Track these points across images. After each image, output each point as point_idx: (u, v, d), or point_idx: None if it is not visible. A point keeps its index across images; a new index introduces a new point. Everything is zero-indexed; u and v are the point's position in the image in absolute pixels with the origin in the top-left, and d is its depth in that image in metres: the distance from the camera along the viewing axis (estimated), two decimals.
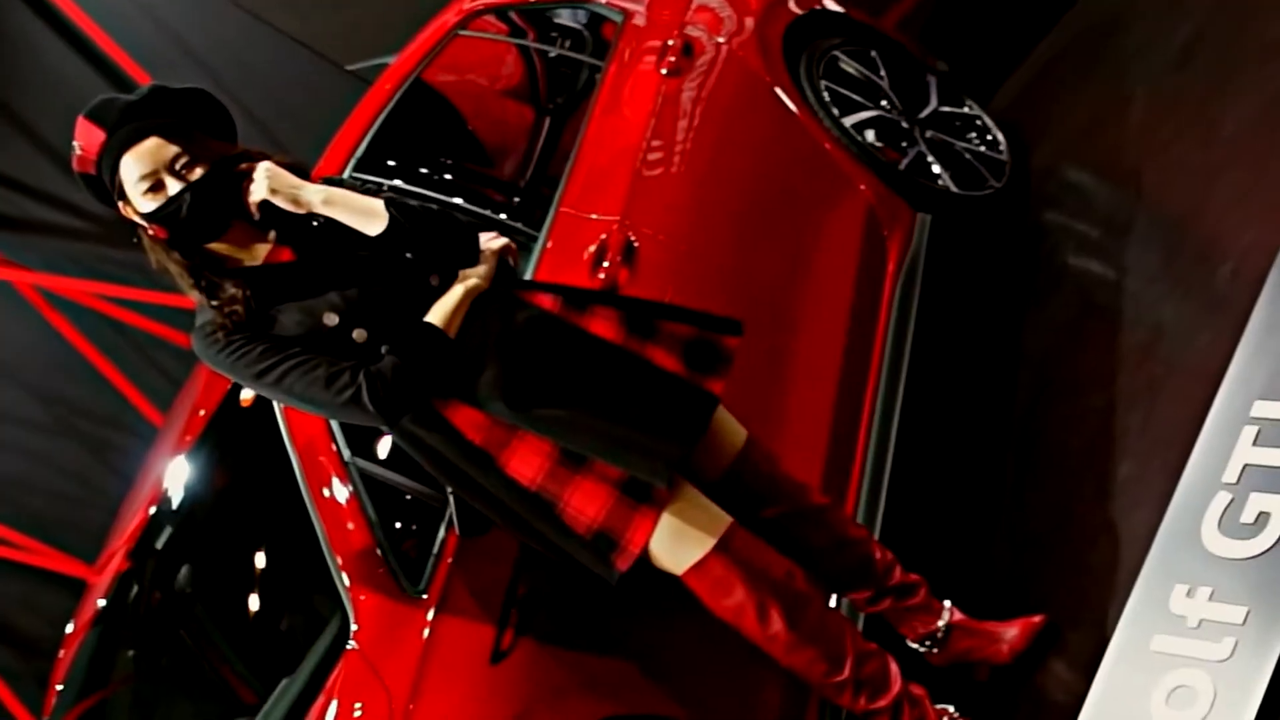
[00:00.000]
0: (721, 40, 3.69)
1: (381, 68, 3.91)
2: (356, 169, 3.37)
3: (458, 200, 3.28)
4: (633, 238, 3.07)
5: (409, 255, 2.44)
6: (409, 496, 2.72)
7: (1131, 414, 2.91)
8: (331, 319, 2.39)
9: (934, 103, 3.96)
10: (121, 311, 5.03)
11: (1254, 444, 2.45)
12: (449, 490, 2.54)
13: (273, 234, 2.46)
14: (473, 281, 2.46)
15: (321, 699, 2.56)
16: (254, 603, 3.05)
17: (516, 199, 3.60)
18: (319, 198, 2.38)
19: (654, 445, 2.38)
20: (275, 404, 2.79)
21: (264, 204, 2.39)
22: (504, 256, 2.55)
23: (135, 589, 3.37)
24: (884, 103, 3.84)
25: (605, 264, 2.99)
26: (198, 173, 2.36)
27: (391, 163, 3.41)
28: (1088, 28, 4.17)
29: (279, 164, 2.40)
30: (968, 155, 3.82)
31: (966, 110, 4.00)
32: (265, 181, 2.36)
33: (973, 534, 3.17)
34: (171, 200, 2.35)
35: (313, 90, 5.25)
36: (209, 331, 2.40)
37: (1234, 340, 2.62)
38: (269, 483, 2.85)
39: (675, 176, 3.34)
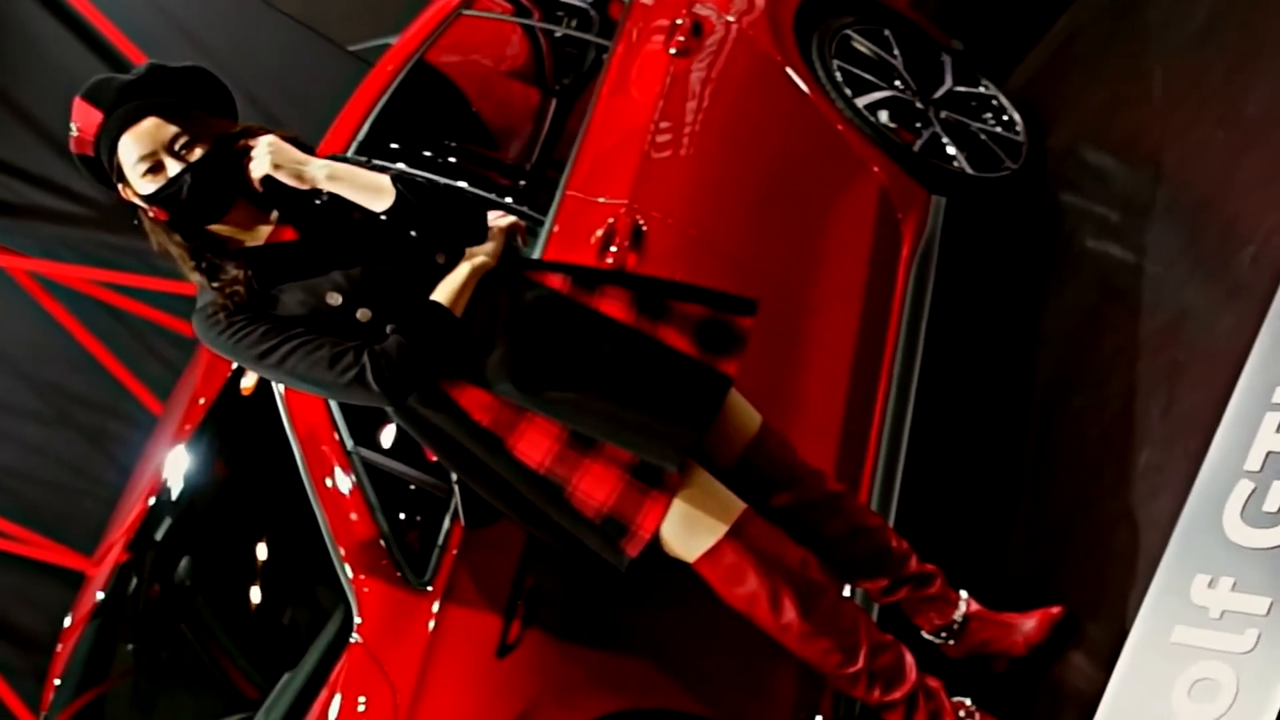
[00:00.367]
0: (731, 19, 3.68)
1: (384, 48, 3.88)
2: (358, 152, 3.34)
3: (462, 184, 3.25)
4: (641, 221, 3.03)
5: (414, 233, 2.40)
6: (413, 486, 2.70)
7: (1152, 400, 2.89)
8: (335, 298, 2.36)
9: (949, 82, 3.96)
10: (119, 298, 5.00)
11: (1277, 431, 2.42)
12: (454, 479, 2.53)
13: (275, 213, 2.43)
14: (480, 259, 2.43)
15: (325, 693, 2.54)
16: (255, 595, 3.04)
17: (522, 182, 3.58)
18: (323, 173, 2.34)
19: (665, 429, 2.35)
20: (276, 392, 2.77)
21: (267, 182, 2.35)
22: (512, 235, 2.52)
23: (134, 581, 3.36)
24: (898, 83, 3.86)
25: (613, 248, 2.96)
26: (198, 153, 2.32)
27: (394, 145, 3.38)
28: (1106, 4, 4.14)
29: (282, 139, 2.36)
30: (983, 136, 3.83)
31: (982, 90, 4.00)
32: (268, 156, 2.33)
33: (989, 523, 3.15)
34: (171, 181, 2.31)
35: (314, 72, 5.22)
36: (210, 313, 2.37)
37: (1256, 325, 2.59)
38: (270, 472, 2.83)
39: (684, 159, 3.32)
